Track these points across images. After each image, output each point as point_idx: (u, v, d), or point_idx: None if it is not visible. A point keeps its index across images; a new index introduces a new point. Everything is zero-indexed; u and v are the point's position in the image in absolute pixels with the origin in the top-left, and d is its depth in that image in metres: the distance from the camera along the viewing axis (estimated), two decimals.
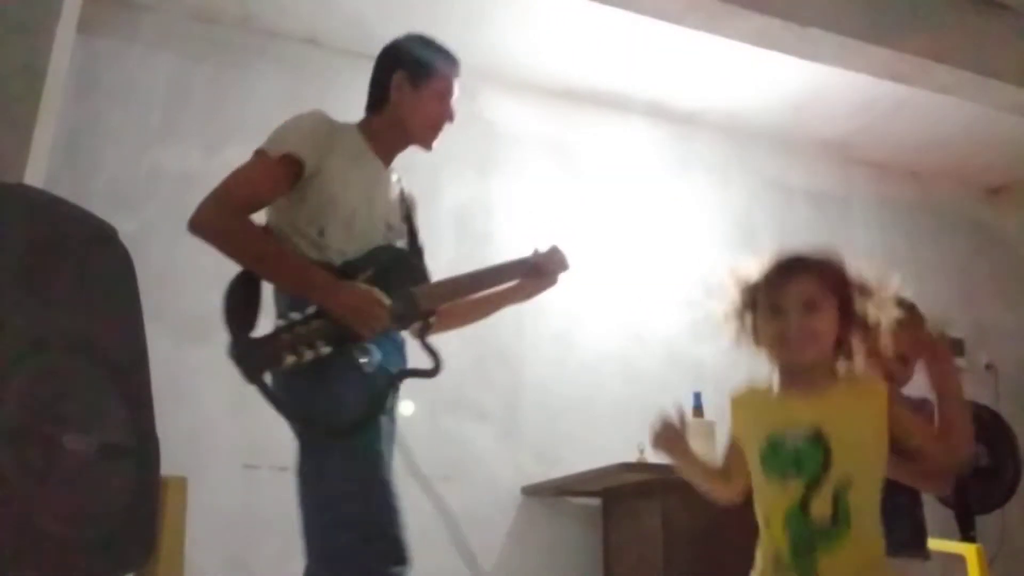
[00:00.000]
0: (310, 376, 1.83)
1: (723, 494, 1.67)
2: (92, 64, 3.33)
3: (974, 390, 4.35)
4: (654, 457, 3.27)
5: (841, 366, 1.55)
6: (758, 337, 1.59)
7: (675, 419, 1.68)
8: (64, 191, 2.13)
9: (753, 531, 1.59)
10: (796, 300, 1.53)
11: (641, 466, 3.24)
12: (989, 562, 3.06)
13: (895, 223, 4.68)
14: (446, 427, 3.52)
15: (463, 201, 3.85)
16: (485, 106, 3.96)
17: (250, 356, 1.79)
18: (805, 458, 1.48)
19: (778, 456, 1.51)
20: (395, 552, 1.80)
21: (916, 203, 4.80)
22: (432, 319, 2.05)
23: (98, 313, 2.00)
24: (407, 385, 3.40)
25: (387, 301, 1.88)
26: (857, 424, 1.50)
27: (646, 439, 3.58)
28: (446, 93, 2.12)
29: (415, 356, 2.04)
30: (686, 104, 4.26)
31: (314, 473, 1.84)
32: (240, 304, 1.86)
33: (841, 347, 1.55)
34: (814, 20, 3.28)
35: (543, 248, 2.26)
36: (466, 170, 3.91)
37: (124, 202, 3.15)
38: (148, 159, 3.37)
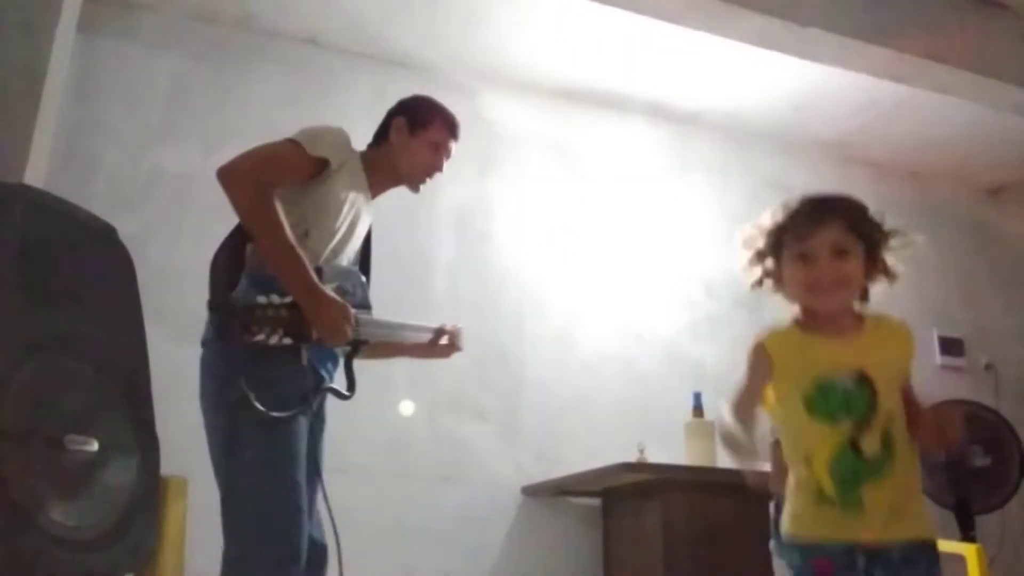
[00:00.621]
0: (248, 359, 1.91)
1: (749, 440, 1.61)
2: (92, 64, 3.33)
3: (974, 390, 4.36)
4: (654, 457, 3.31)
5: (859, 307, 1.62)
6: (782, 283, 1.63)
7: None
8: (64, 191, 2.13)
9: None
10: (826, 246, 1.58)
11: (641, 466, 3.24)
12: (989, 562, 3.06)
13: (895, 223, 4.67)
14: (446, 427, 3.52)
15: (463, 201, 3.85)
16: (485, 106, 3.96)
17: (226, 317, 1.89)
18: (854, 399, 1.54)
19: (828, 399, 1.55)
20: (287, 550, 1.86)
21: (916, 203, 4.79)
22: (361, 348, 2.16)
23: (98, 313, 2.00)
24: (407, 385, 3.42)
25: (354, 320, 1.99)
26: (894, 363, 1.59)
27: (646, 439, 3.61)
28: (440, 146, 2.29)
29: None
30: (686, 104, 4.26)
31: (229, 455, 1.91)
32: (228, 267, 1.95)
33: (863, 290, 1.63)
34: (814, 20, 3.28)
35: (450, 326, 2.43)
36: (466, 170, 3.90)
37: (124, 202, 3.15)
38: (148, 159, 3.37)
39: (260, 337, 1.86)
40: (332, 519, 1.97)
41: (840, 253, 1.58)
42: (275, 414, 1.88)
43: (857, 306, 1.62)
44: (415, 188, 2.32)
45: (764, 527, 1.95)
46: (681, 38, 3.58)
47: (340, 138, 2.14)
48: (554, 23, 3.67)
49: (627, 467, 3.18)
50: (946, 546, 3.04)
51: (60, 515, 1.76)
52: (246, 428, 1.89)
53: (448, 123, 2.32)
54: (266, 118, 3.38)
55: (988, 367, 4.60)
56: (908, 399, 1.61)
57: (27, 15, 2.45)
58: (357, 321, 2.04)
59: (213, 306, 1.91)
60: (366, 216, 2.24)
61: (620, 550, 3.42)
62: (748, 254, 1.69)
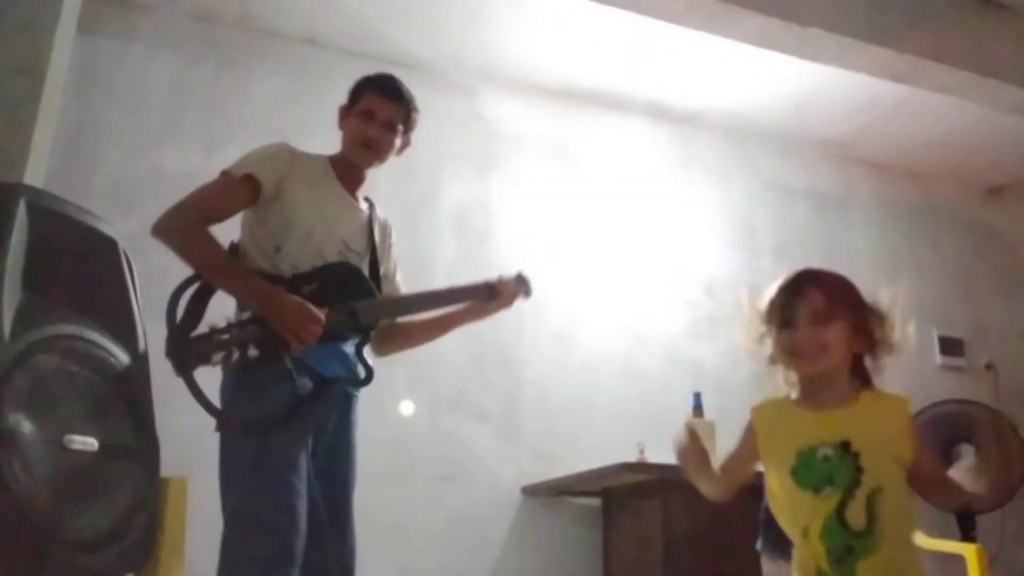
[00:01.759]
0: (237, 376, 1.97)
1: (719, 494, 1.70)
2: (92, 64, 3.33)
3: (974, 390, 4.36)
4: (654, 457, 3.31)
5: (857, 384, 1.61)
6: (774, 356, 1.64)
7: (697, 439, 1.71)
8: (64, 191, 2.13)
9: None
10: (806, 313, 1.60)
11: (641, 466, 3.24)
12: (989, 562, 3.06)
13: (895, 223, 4.68)
14: (446, 427, 3.52)
15: (463, 201, 3.85)
16: (485, 106, 3.96)
17: (182, 351, 1.92)
18: (837, 470, 1.54)
19: (810, 470, 1.57)
20: (283, 554, 1.87)
21: (916, 203, 4.79)
22: (372, 334, 2.17)
23: (99, 314, 2.00)
24: (407, 385, 3.42)
25: (319, 315, 1.98)
26: (883, 435, 1.57)
27: (646, 439, 3.61)
28: (371, 113, 2.21)
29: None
30: (686, 104, 4.26)
31: (226, 471, 1.95)
32: (185, 305, 1.99)
33: (858, 366, 1.62)
34: (814, 20, 3.28)
35: (507, 275, 2.39)
36: (466, 170, 3.91)
37: (124, 202, 3.14)
38: (148, 159, 3.37)
39: (218, 357, 1.91)
40: None
41: (819, 320, 1.60)
42: (260, 431, 1.93)
43: (849, 380, 1.62)
44: (359, 162, 2.23)
45: None
46: (681, 38, 3.58)
47: (275, 151, 2.15)
48: (554, 23, 3.67)
49: (627, 467, 3.18)
50: (946, 546, 3.05)
51: (60, 515, 1.76)
52: (235, 443, 1.95)
53: (377, 87, 2.23)
54: (266, 118, 3.38)
55: (988, 367, 4.60)
56: (929, 470, 1.61)
57: (27, 15, 2.45)
58: (350, 310, 2.06)
59: (166, 348, 1.95)
60: (352, 212, 2.23)
61: (620, 550, 3.42)
62: (746, 340, 1.71)
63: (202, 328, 1.97)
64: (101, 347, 1.98)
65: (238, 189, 2.08)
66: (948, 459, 4.02)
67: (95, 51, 3.34)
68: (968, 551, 2.97)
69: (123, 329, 2.07)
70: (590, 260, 4.02)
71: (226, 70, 3.62)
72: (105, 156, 3.31)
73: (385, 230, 2.34)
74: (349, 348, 2.12)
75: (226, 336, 1.92)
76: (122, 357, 2.02)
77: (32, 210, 1.90)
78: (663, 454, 3.29)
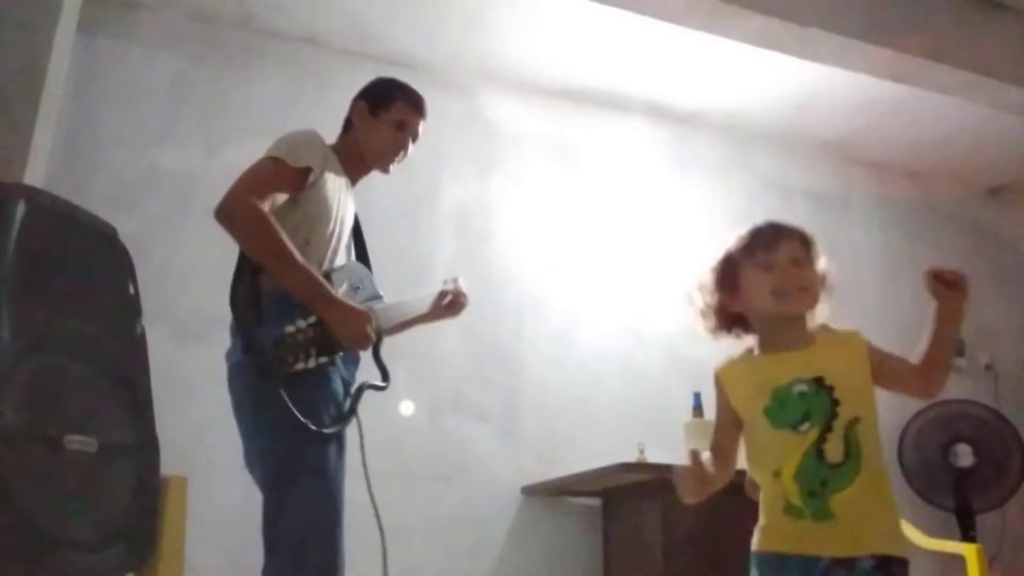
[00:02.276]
0: (301, 382, 1.92)
1: (722, 481, 1.69)
2: (92, 64, 3.33)
3: (974, 390, 4.36)
4: (654, 457, 3.31)
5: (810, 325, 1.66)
6: (746, 298, 1.70)
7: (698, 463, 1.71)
8: (64, 191, 2.13)
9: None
10: (787, 257, 1.67)
11: (641, 466, 3.24)
12: (989, 562, 3.06)
13: (895, 223, 4.68)
14: (446, 427, 3.52)
15: (463, 201, 3.85)
16: (485, 106, 3.96)
17: (271, 358, 1.89)
18: (814, 405, 1.56)
19: (786, 408, 1.58)
20: (333, 560, 1.91)
21: (916, 203, 4.79)
22: (383, 338, 2.18)
23: (98, 313, 2.00)
24: (407, 385, 3.42)
25: (374, 321, 2.01)
26: (851, 367, 1.60)
27: (646, 439, 3.61)
28: (404, 124, 2.24)
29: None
30: (686, 104, 4.26)
31: (282, 473, 1.92)
32: (249, 307, 1.95)
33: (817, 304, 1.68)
34: (814, 20, 3.28)
35: (451, 282, 2.43)
36: (466, 170, 3.91)
37: (124, 202, 3.15)
38: (148, 159, 3.37)
39: (299, 366, 1.90)
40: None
41: (799, 264, 1.67)
42: (327, 431, 1.93)
43: (810, 322, 1.66)
44: (385, 170, 2.28)
45: None
46: (681, 38, 3.57)
47: (316, 140, 2.14)
48: (554, 23, 3.67)
49: (627, 467, 3.18)
50: (946, 546, 3.06)
51: (60, 515, 1.76)
52: (300, 453, 1.92)
53: (411, 101, 2.27)
54: (266, 118, 3.38)
55: (988, 367, 4.60)
56: (903, 366, 1.61)
57: (27, 15, 2.45)
58: (375, 316, 2.07)
59: (249, 351, 1.91)
60: (351, 206, 2.24)
61: (620, 550, 3.43)
62: (700, 302, 1.81)
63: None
64: (101, 347, 1.98)
65: (294, 180, 2.03)
66: (946, 458, 4.03)
67: (95, 51, 3.34)
68: (968, 551, 2.97)
69: (123, 329, 2.07)
70: (590, 260, 4.02)
71: (226, 70, 3.62)
72: (105, 156, 3.31)
73: (358, 221, 2.34)
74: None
75: (295, 342, 1.90)
76: (122, 357, 2.03)
77: (32, 210, 1.90)
78: (663, 454, 3.31)
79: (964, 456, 3.99)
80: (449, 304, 2.41)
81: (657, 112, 4.27)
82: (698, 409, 3.47)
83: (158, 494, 2.06)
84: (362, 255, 2.31)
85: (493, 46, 3.81)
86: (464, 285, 2.45)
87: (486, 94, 3.95)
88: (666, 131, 4.33)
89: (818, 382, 1.57)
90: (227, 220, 1.93)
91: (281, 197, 2.01)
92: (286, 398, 1.86)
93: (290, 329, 1.90)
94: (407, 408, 3.48)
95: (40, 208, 1.93)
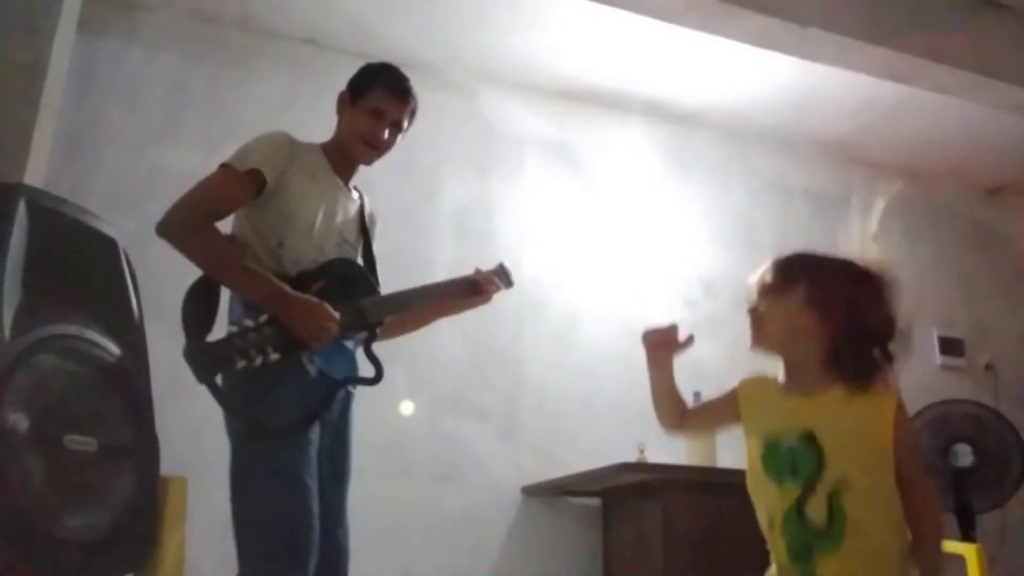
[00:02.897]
0: (255, 379, 1.90)
1: (666, 421, 1.71)
2: (92, 64, 3.33)
3: (974, 390, 4.36)
4: (654, 457, 3.31)
5: (834, 373, 1.52)
6: None
7: (675, 331, 1.69)
8: (64, 191, 2.13)
9: (752, 531, 1.58)
10: (756, 290, 1.61)
11: (641, 466, 3.24)
12: (989, 562, 3.06)
13: (895, 223, 4.68)
14: (446, 427, 3.52)
15: (463, 201, 3.85)
16: (485, 106, 3.95)
17: (203, 358, 1.88)
18: (799, 460, 1.47)
19: (776, 458, 1.50)
20: (301, 556, 1.87)
21: (916, 203, 4.79)
22: (378, 330, 2.14)
23: (98, 314, 2.00)
24: (407, 385, 3.42)
25: (336, 314, 1.97)
26: (852, 427, 1.47)
27: (646, 439, 3.60)
28: (381, 112, 2.16)
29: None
30: (686, 104, 4.25)
31: (241, 473, 1.91)
32: (198, 309, 1.96)
33: (837, 352, 1.52)
34: (814, 20, 3.28)
35: (486, 267, 2.40)
36: (466, 170, 3.90)
37: (124, 202, 3.14)
38: (148, 159, 3.37)
39: (242, 364, 1.87)
40: None
41: (763, 295, 1.59)
42: (288, 431, 1.90)
43: (822, 368, 1.52)
44: (363, 160, 2.20)
45: None
46: (681, 38, 3.57)
47: (276, 142, 2.10)
48: (554, 23, 3.67)
49: (627, 467, 3.18)
50: (946, 546, 3.05)
51: (60, 515, 1.76)
52: (253, 447, 1.91)
53: (390, 87, 2.17)
54: (266, 118, 3.36)
55: (988, 367, 4.60)
56: (906, 482, 1.48)
57: (27, 15, 2.45)
58: (358, 308, 2.05)
59: (185, 354, 1.91)
60: (347, 203, 2.20)
61: (620, 550, 3.42)
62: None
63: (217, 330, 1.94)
64: (101, 347, 1.98)
65: (243, 184, 2.01)
66: (946, 458, 4.03)
67: (95, 51, 3.34)
68: (968, 551, 2.97)
69: (123, 329, 2.07)
70: (590, 260, 4.02)
71: (226, 70, 3.62)
72: (105, 156, 3.31)
73: (373, 220, 2.32)
74: (349, 344, 2.11)
75: (247, 339, 1.89)
76: (122, 357, 2.02)
77: (32, 210, 1.90)
78: (663, 454, 3.31)
79: (964, 456, 3.98)
80: (476, 288, 2.36)
81: (657, 112, 4.27)
82: None
83: (158, 494, 2.06)
84: (368, 251, 2.27)
85: (493, 46, 3.81)
86: (510, 269, 2.41)
87: (486, 94, 3.95)
88: (666, 131, 4.33)
89: (809, 437, 1.47)
90: (165, 235, 1.95)
91: (230, 203, 2.02)
92: (213, 396, 1.86)
93: (234, 329, 1.90)
94: (407, 408, 3.48)
95: (40, 208, 1.93)
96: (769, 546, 1.53)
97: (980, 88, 3.66)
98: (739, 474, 1.67)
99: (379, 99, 2.16)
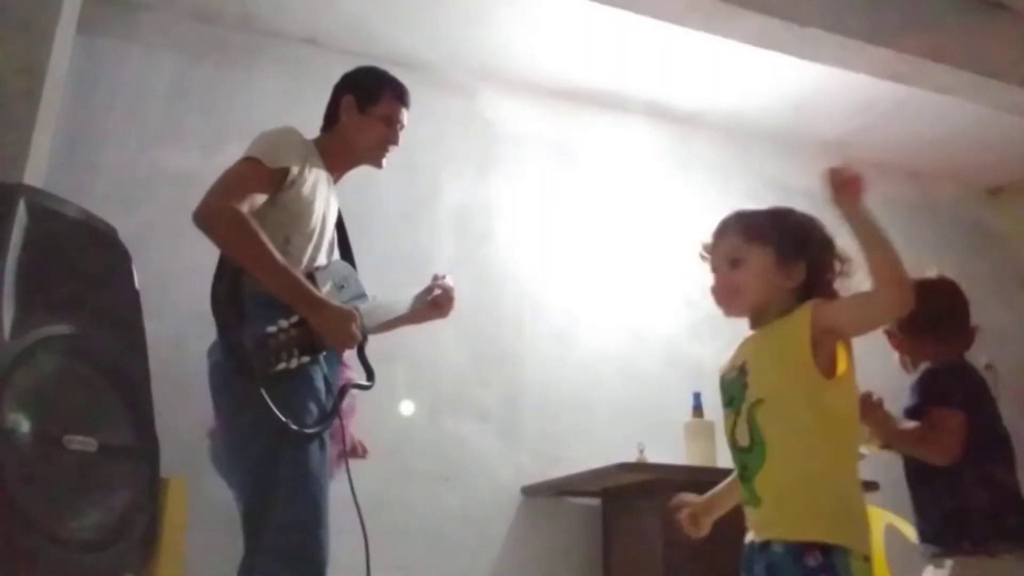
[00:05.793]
0: (281, 379, 1.92)
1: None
2: (92, 64, 3.33)
3: None
4: (654, 457, 3.31)
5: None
6: None
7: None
8: (64, 191, 2.13)
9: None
10: (723, 258, 1.67)
11: (641, 466, 3.24)
12: None
13: (895, 223, 4.66)
14: (446, 427, 3.52)
15: (463, 201, 3.85)
16: (485, 106, 3.95)
17: (252, 358, 1.88)
18: (733, 390, 1.58)
19: (721, 393, 1.63)
20: (322, 555, 1.91)
21: (916, 203, 4.79)
22: (368, 338, 2.19)
23: (98, 313, 2.00)
24: (407, 385, 3.42)
25: (359, 322, 2.02)
26: (772, 349, 1.57)
27: (646, 439, 3.60)
28: (392, 118, 2.26)
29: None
30: (686, 104, 4.25)
31: (268, 473, 1.92)
32: (230, 306, 1.95)
33: (810, 291, 1.59)
34: (814, 20, 3.28)
35: (440, 279, 2.42)
36: (466, 170, 3.90)
37: (124, 202, 3.15)
38: (148, 159, 3.37)
39: (281, 366, 1.89)
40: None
41: (735, 264, 1.64)
42: (309, 431, 1.92)
43: (780, 310, 1.60)
44: (378, 164, 2.30)
45: None
46: (681, 38, 3.57)
47: (295, 139, 2.13)
48: (554, 23, 3.66)
49: (627, 467, 3.18)
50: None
51: (60, 515, 1.76)
52: (281, 452, 1.91)
53: (397, 93, 2.30)
54: (266, 118, 3.34)
55: (988, 367, 4.59)
56: (854, 300, 1.56)
57: (27, 15, 2.45)
58: (360, 315, 2.07)
59: (231, 351, 1.92)
60: (334, 202, 2.24)
61: (620, 550, 3.42)
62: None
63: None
64: (101, 347, 1.98)
65: (272, 180, 2.03)
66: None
67: (95, 51, 3.34)
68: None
69: (123, 329, 2.07)
70: (590, 260, 4.02)
71: (226, 70, 3.62)
72: (105, 156, 3.31)
73: (340, 217, 2.34)
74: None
75: (278, 341, 1.90)
76: (122, 357, 2.03)
77: (32, 210, 1.90)
78: (663, 454, 3.31)
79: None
80: (434, 303, 2.38)
81: (658, 112, 4.27)
82: (698, 409, 3.47)
83: (158, 494, 2.06)
84: (346, 252, 2.30)
85: (493, 46, 3.81)
86: (452, 283, 2.43)
87: (486, 94, 3.94)
88: (666, 131, 4.33)
89: (741, 368, 1.58)
90: (205, 224, 1.94)
91: (260, 198, 2.01)
92: (267, 398, 1.85)
93: (272, 329, 1.90)
94: (407, 408, 3.48)
95: (40, 208, 1.94)
96: None
97: (980, 88, 3.66)
98: None
99: (391, 107, 2.26)
